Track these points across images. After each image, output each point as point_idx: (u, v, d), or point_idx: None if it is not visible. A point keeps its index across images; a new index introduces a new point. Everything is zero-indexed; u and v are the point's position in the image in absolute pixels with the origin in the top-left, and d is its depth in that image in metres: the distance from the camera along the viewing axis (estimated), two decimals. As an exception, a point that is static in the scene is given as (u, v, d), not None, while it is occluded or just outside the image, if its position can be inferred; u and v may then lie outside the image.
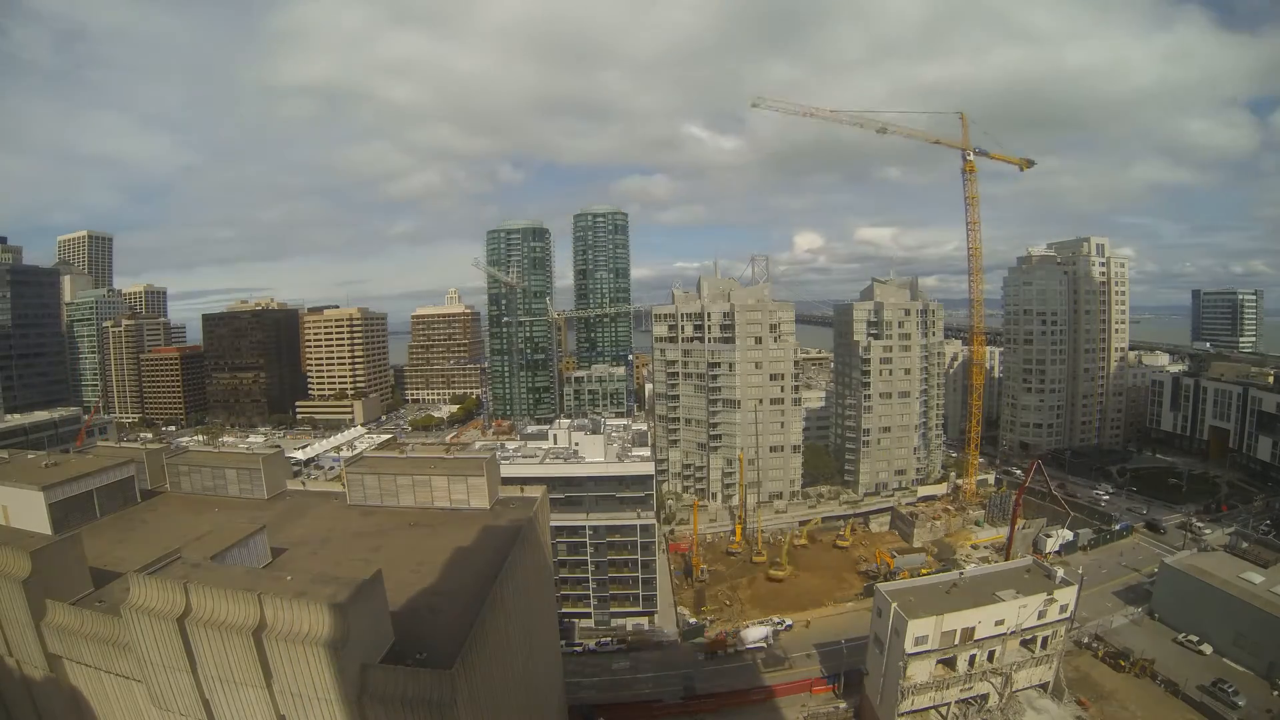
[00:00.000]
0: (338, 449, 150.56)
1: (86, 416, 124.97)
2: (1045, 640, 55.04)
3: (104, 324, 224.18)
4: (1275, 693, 58.19)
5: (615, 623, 79.62)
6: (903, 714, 52.76)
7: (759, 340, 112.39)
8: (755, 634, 74.00)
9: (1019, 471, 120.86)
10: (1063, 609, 54.91)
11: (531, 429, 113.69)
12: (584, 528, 76.50)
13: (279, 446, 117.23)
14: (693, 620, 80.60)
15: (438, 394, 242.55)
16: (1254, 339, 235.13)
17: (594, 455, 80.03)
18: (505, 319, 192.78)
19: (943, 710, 53.69)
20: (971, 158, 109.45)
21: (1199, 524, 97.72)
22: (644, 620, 79.66)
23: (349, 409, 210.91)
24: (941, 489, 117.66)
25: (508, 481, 46.95)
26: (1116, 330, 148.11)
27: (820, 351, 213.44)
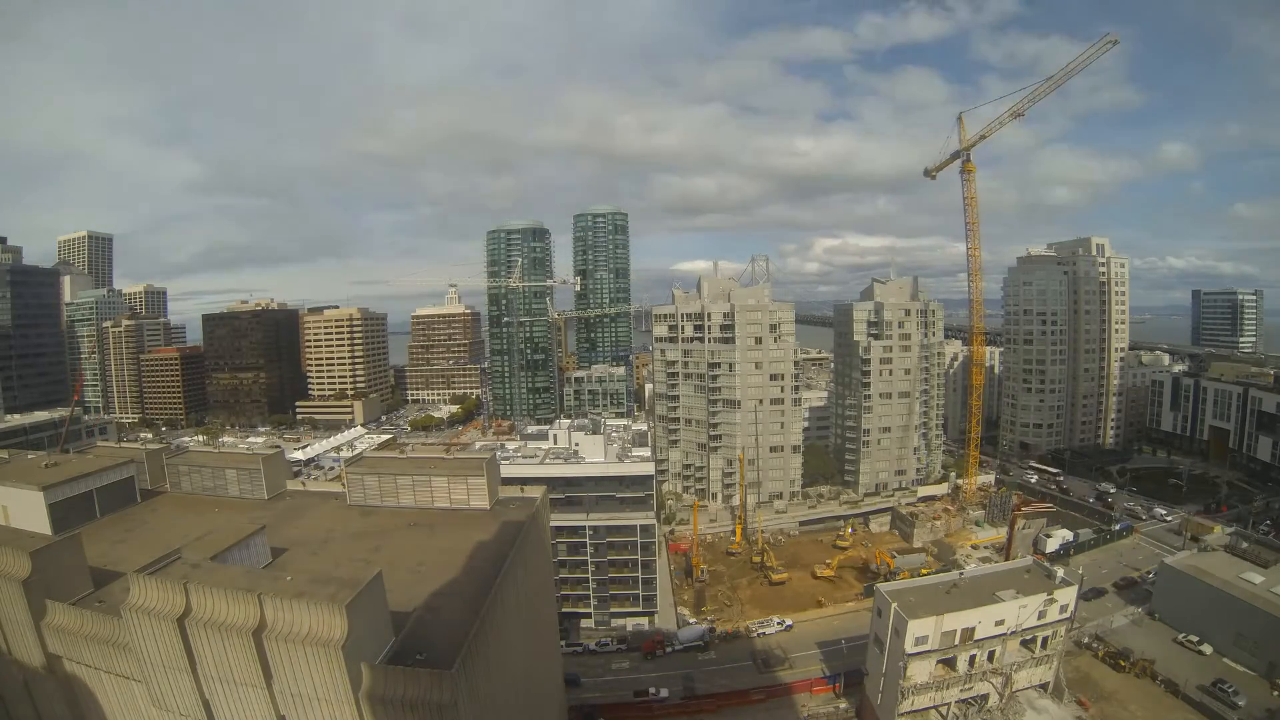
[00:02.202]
0: (338, 449, 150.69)
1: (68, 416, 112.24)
2: (1045, 640, 55.07)
3: (104, 324, 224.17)
4: (1275, 693, 58.15)
5: (615, 623, 79.64)
6: (903, 714, 52.77)
7: (759, 340, 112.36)
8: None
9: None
10: (1063, 609, 54.94)
11: (531, 429, 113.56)
12: (584, 528, 76.49)
13: (279, 447, 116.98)
14: (692, 620, 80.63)
15: (438, 394, 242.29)
16: (1254, 339, 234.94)
17: (594, 455, 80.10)
18: (505, 319, 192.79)
19: (943, 710, 53.68)
20: (970, 158, 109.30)
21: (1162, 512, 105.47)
22: (644, 620, 79.69)
23: (349, 409, 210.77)
24: (941, 489, 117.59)
25: (508, 482, 46.88)
26: (1116, 330, 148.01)
27: (820, 351, 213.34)
